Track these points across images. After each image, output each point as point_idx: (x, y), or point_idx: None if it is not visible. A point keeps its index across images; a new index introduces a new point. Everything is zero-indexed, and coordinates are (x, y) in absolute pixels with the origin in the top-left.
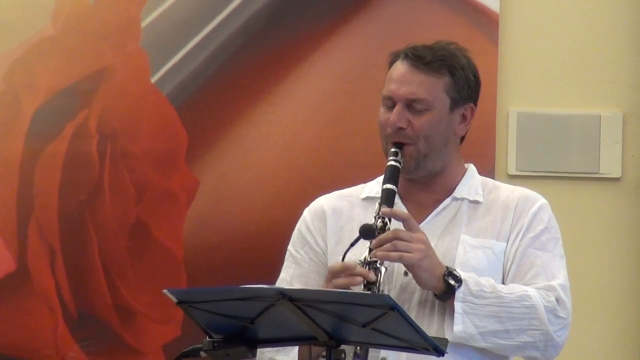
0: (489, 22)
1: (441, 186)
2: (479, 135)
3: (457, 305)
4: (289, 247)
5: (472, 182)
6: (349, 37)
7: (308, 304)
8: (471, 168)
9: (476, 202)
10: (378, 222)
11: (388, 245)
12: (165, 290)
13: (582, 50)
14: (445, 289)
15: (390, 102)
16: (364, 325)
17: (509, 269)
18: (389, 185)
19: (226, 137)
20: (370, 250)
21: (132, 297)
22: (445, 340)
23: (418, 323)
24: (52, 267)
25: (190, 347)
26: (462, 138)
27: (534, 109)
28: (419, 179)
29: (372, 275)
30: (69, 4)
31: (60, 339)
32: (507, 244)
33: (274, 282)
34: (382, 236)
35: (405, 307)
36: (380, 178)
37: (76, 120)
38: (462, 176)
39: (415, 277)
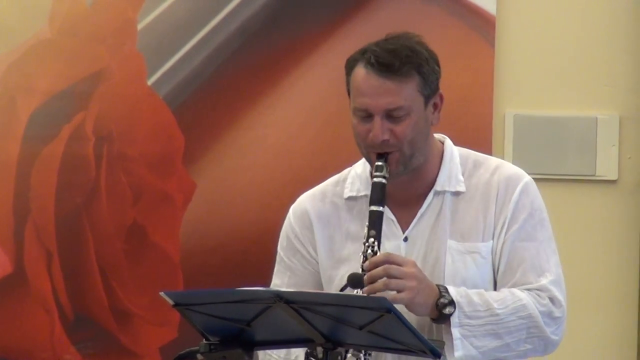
0: (485, 25)
1: (422, 179)
2: (476, 137)
3: (455, 331)
4: (279, 250)
5: (452, 167)
6: (345, 40)
7: (304, 306)
8: (447, 147)
9: (458, 193)
10: (368, 251)
11: (379, 284)
12: (161, 293)
13: (578, 52)
14: (439, 315)
15: (365, 114)
16: (360, 328)
17: (498, 267)
18: (374, 208)
19: (223, 139)
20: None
21: (128, 300)
22: (442, 343)
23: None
24: (48, 269)
25: (187, 350)
26: None
27: (531, 111)
28: (398, 180)
29: None
30: (66, 7)
31: (56, 341)
32: (493, 240)
33: (270, 285)
34: (373, 273)
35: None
36: (359, 168)
37: (73, 122)
38: (441, 161)
39: (409, 310)
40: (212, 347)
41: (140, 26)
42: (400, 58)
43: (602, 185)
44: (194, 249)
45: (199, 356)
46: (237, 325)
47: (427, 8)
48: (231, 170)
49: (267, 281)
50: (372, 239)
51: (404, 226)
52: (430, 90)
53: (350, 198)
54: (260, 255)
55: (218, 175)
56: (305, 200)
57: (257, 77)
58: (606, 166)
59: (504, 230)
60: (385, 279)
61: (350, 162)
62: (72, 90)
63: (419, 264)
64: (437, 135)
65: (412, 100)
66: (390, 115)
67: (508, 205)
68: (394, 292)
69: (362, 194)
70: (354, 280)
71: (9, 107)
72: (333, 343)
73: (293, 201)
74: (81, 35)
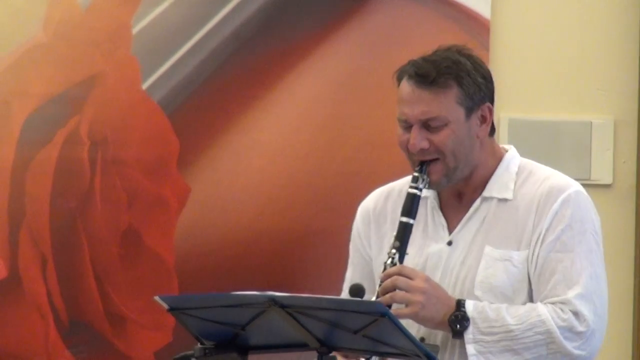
0: (480, 29)
1: (472, 188)
2: None
3: (469, 347)
4: (351, 241)
5: (504, 176)
6: (340, 44)
7: (299, 310)
8: (507, 157)
9: (505, 200)
10: (388, 261)
11: (387, 297)
12: (156, 297)
13: (573, 56)
14: (452, 330)
15: (406, 124)
16: (355, 332)
17: (533, 277)
18: (403, 219)
19: (217, 143)
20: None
21: (123, 304)
22: (437, 347)
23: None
24: (43, 273)
25: (182, 354)
26: (493, 130)
27: (525, 115)
28: (451, 186)
29: None
30: (61, 11)
31: (51, 345)
32: (529, 250)
33: (265, 289)
34: (383, 285)
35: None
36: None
37: (67, 127)
38: (495, 169)
39: (418, 324)
40: (206, 351)
41: (134, 30)
42: (439, 69)
43: (597, 190)
44: (189, 253)
45: None
46: (231, 330)
47: (421, 12)
48: (226, 175)
49: (262, 285)
50: (394, 250)
51: (452, 230)
52: (473, 102)
53: None
54: (256, 259)
55: (213, 179)
56: (372, 196)
57: (252, 81)
58: (601, 170)
59: (540, 241)
60: (392, 292)
61: (344, 167)
62: (67, 94)
63: (457, 268)
64: (505, 146)
65: (450, 111)
66: (428, 125)
67: (547, 216)
68: (403, 306)
69: (424, 195)
70: (355, 291)
71: (4, 111)
72: (328, 347)
73: (287, 205)
74: (76, 39)
